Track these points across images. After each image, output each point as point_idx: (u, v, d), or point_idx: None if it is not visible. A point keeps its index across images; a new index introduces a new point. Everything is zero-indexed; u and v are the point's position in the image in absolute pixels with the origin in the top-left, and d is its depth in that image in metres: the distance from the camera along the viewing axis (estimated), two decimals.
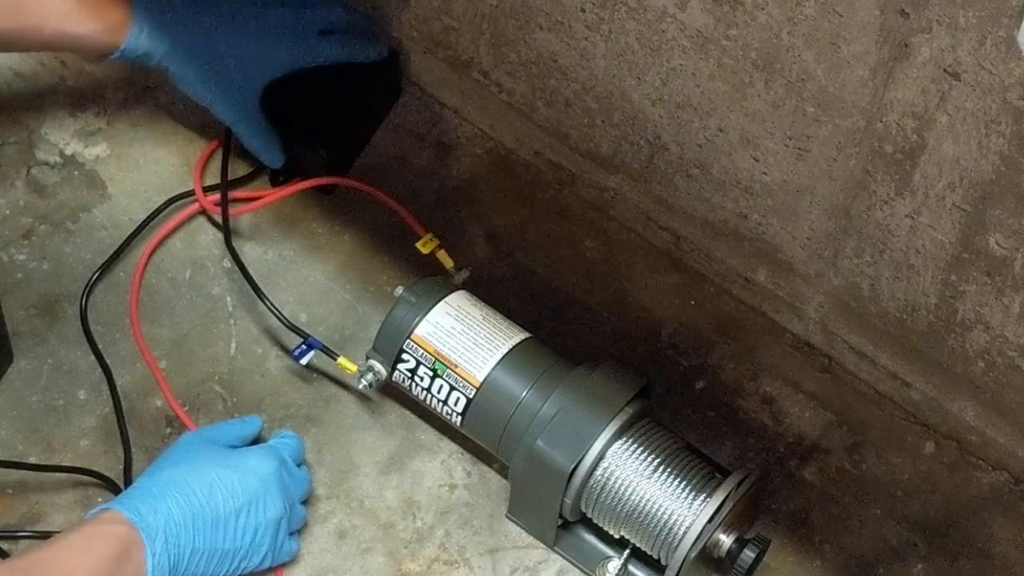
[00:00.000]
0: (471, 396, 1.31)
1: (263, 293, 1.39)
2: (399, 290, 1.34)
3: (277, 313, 1.38)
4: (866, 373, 1.41)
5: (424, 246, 1.43)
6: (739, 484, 1.27)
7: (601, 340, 1.44)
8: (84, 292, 1.42)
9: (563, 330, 1.44)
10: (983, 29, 1.09)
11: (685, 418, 1.40)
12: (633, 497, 1.27)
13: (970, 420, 1.37)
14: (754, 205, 1.37)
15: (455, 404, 1.32)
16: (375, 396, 1.40)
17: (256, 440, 1.33)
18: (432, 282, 1.36)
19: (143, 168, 1.50)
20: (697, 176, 1.39)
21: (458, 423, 1.33)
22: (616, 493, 1.28)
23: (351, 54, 1.47)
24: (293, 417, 1.38)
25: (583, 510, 1.31)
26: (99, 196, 1.49)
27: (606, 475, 1.28)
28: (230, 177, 1.47)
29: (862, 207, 1.29)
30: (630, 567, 1.32)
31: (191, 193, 1.47)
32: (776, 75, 1.25)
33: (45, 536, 1.30)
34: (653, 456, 1.28)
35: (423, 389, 1.33)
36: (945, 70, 1.14)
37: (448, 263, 1.43)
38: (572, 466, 1.27)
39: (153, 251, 1.45)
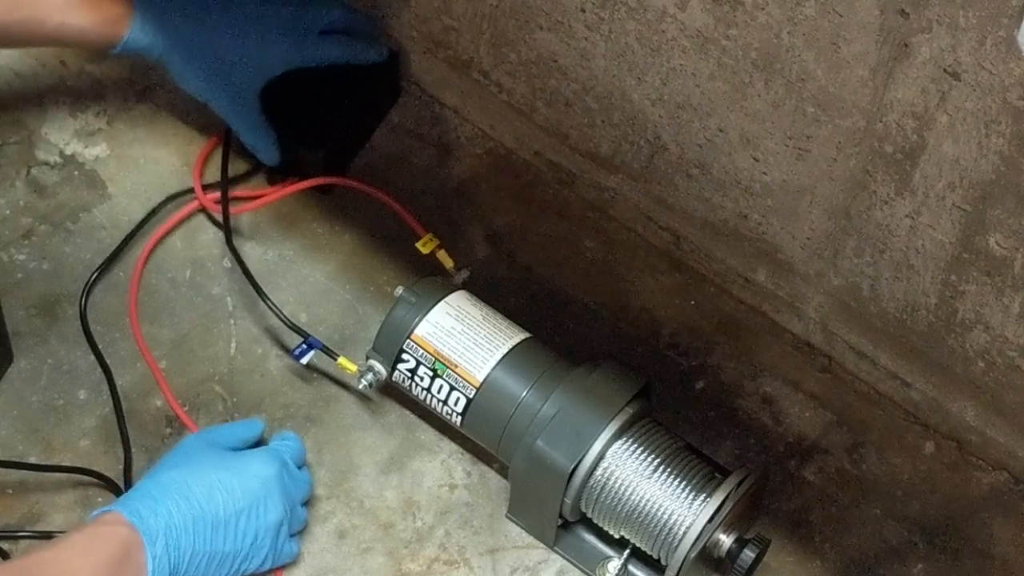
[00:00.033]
0: (471, 396, 1.31)
1: (264, 292, 1.39)
2: (399, 290, 1.34)
3: (278, 312, 1.38)
4: (866, 373, 1.41)
5: (424, 246, 1.43)
6: (739, 484, 1.27)
7: (601, 340, 1.43)
8: (83, 292, 1.42)
9: (563, 330, 1.44)
10: (983, 29, 1.09)
11: (685, 418, 1.40)
12: (633, 497, 1.27)
13: (970, 420, 1.37)
14: (754, 205, 1.37)
15: (455, 404, 1.32)
16: (375, 396, 1.40)
17: (258, 442, 1.33)
18: (432, 282, 1.36)
19: (143, 168, 1.50)
20: (697, 176, 1.39)
21: (458, 423, 1.33)
22: (616, 493, 1.28)
23: (351, 55, 1.47)
24: (293, 417, 1.38)
25: (583, 510, 1.31)
26: (99, 196, 1.49)
27: (606, 475, 1.28)
28: (228, 175, 1.47)
29: (862, 207, 1.29)
30: (630, 567, 1.32)
31: (189, 191, 1.47)
32: (776, 75, 1.25)
33: (45, 536, 1.30)
34: (653, 456, 1.28)
35: (423, 389, 1.33)
36: (945, 70, 1.14)
37: (448, 263, 1.43)
38: (572, 466, 1.27)
39: (152, 250, 1.45)
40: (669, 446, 1.29)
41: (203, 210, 1.47)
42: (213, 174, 1.48)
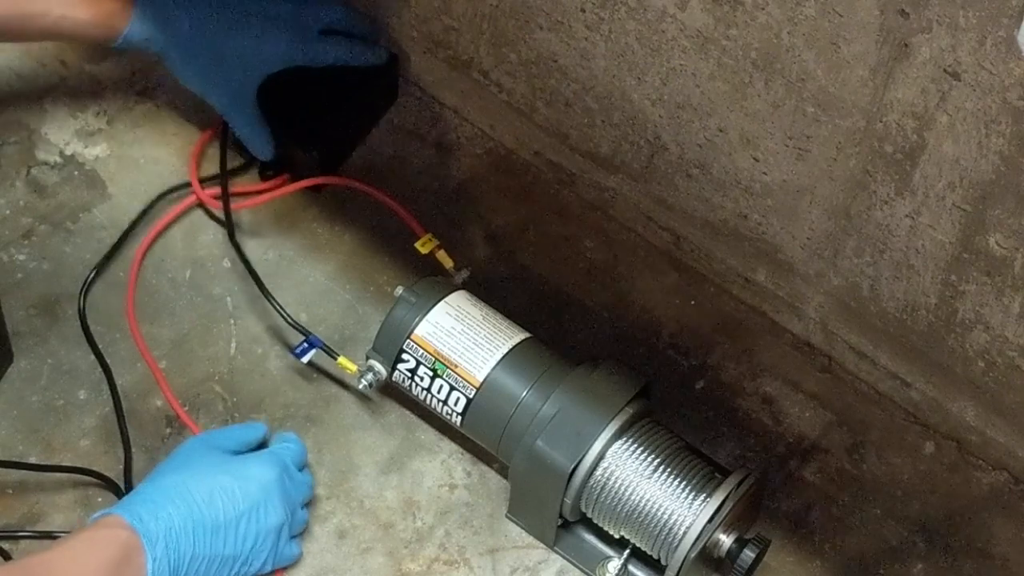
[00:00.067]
0: (471, 396, 1.31)
1: (266, 288, 1.39)
2: (399, 290, 1.34)
3: (279, 309, 1.38)
4: (866, 373, 1.41)
5: (423, 246, 1.43)
6: (739, 484, 1.27)
7: (601, 340, 1.43)
8: (82, 290, 1.42)
9: (563, 330, 1.44)
10: (983, 29, 1.09)
11: (685, 418, 1.40)
12: (633, 497, 1.27)
13: (970, 420, 1.37)
14: (754, 205, 1.37)
15: (455, 404, 1.32)
16: (375, 396, 1.40)
17: (261, 444, 1.33)
18: (432, 282, 1.36)
19: (143, 168, 1.50)
20: (697, 176, 1.39)
21: (458, 423, 1.33)
22: (616, 493, 1.28)
23: (350, 57, 1.47)
24: (293, 417, 1.38)
25: (583, 510, 1.31)
26: (99, 196, 1.49)
27: (606, 475, 1.28)
28: (218, 169, 1.47)
29: (862, 207, 1.29)
30: (630, 567, 1.32)
31: (185, 185, 1.47)
32: (776, 75, 1.25)
33: (45, 536, 1.30)
34: (653, 456, 1.28)
35: (423, 389, 1.33)
36: (945, 70, 1.14)
37: (448, 263, 1.43)
38: (572, 466, 1.27)
39: (150, 245, 1.45)
40: (669, 446, 1.29)
41: (201, 205, 1.47)
42: (206, 169, 1.48)
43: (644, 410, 1.31)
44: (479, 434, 1.34)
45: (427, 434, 1.39)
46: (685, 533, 1.26)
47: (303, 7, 1.45)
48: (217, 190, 1.46)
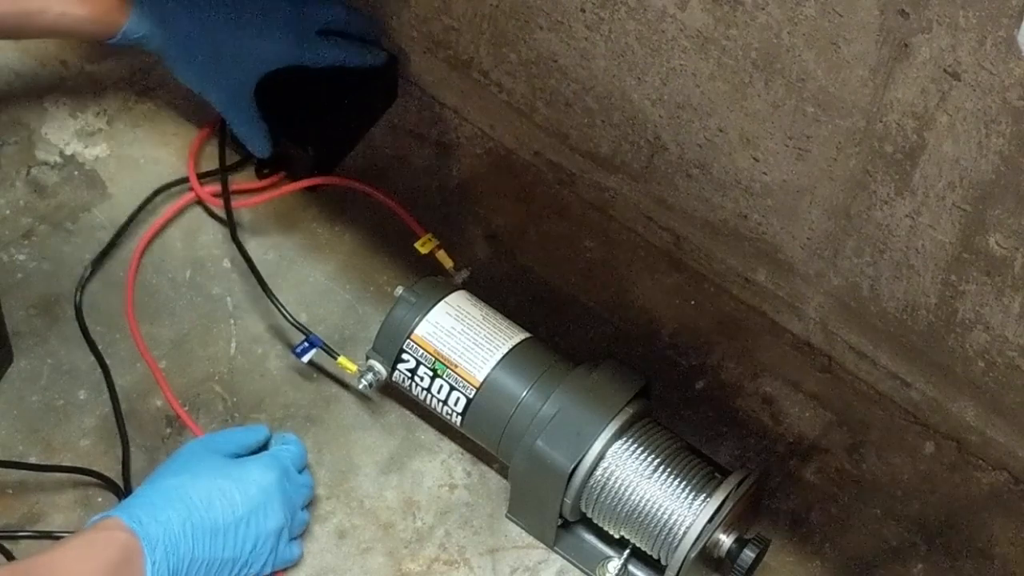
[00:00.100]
0: (471, 396, 1.31)
1: (267, 287, 1.39)
2: (399, 290, 1.34)
3: (280, 307, 1.38)
4: (866, 373, 1.41)
5: (423, 246, 1.43)
6: (739, 484, 1.27)
7: (601, 340, 1.44)
8: (78, 287, 1.41)
9: (563, 330, 1.44)
10: (983, 29, 1.09)
11: (685, 418, 1.40)
12: (633, 497, 1.27)
13: (970, 420, 1.37)
14: (754, 205, 1.37)
15: (455, 404, 1.32)
16: (375, 396, 1.40)
17: (262, 447, 1.32)
18: (432, 282, 1.36)
19: (143, 168, 1.50)
20: (697, 176, 1.39)
21: (458, 423, 1.33)
22: (616, 493, 1.28)
23: (348, 58, 1.47)
24: (293, 417, 1.38)
25: (583, 510, 1.31)
26: (99, 196, 1.49)
27: (606, 475, 1.28)
28: (218, 167, 1.47)
29: (862, 207, 1.29)
30: (630, 567, 1.32)
31: (183, 180, 1.47)
32: (776, 75, 1.25)
33: (45, 536, 1.30)
34: (653, 456, 1.28)
35: (423, 389, 1.33)
36: (945, 70, 1.14)
37: (447, 263, 1.43)
38: (572, 466, 1.27)
39: (149, 243, 1.45)
40: (669, 446, 1.29)
41: (200, 203, 1.47)
42: (204, 167, 1.48)
43: (644, 410, 1.31)
44: (479, 434, 1.34)
45: (427, 434, 1.39)
46: (685, 533, 1.26)
47: (302, 6, 1.45)
48: (215, 187, 1.46)
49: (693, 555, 1.25)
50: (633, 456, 1.28)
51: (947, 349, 1.33)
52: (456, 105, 1.54)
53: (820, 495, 1.37)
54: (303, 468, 1.33)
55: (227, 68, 1.41)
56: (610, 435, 1.28)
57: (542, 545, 1.34)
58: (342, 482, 1.36)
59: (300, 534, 1.32)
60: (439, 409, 1.34)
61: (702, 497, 1.26)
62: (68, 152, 1.51)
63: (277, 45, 1.43)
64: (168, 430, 1.37)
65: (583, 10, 1.35)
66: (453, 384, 1.32)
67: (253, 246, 1.45)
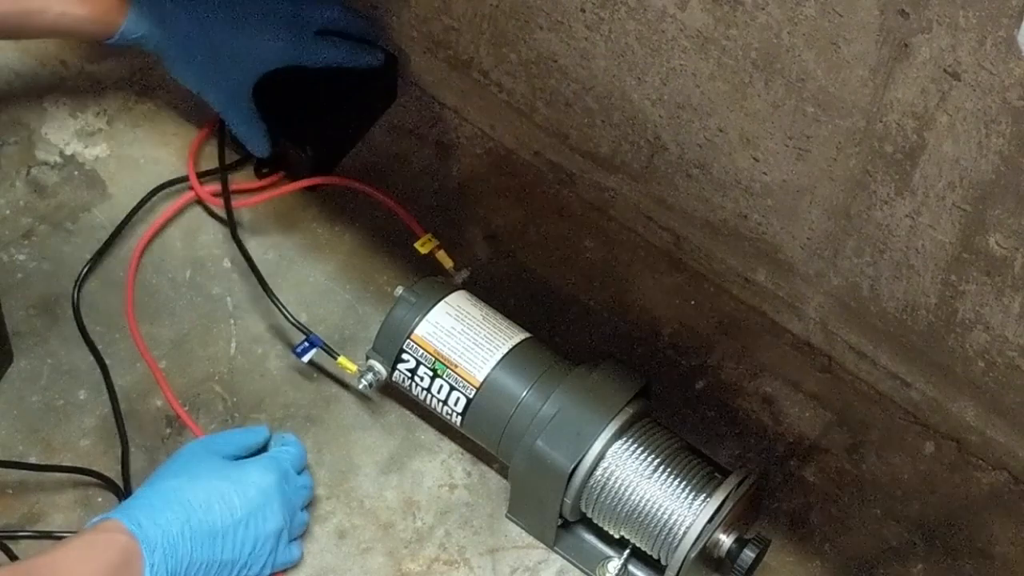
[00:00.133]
0: (471, 396, 1.31)
1: (268, 286, 1.40)
2: (399, 290, 1.34)
3: (280, 307, 1.38)
4: (866, 373, 1.41)
5: (422, 246, 1.43)
6: (739, 484, 1.27)
7: (601, 340, 1.43)
8: (76, 285, 1.41)
9: (563, 330, 1.44)
10: (983, 29, 1.09)
11: (685, 418, 1.40)
12: (633, 497, 1.27)
13: (970, 420, 1.37)
14: (754, 205, 1.37)
15: (455, 404, 1.32)
16: (375, 396, 1.40)
17: (263, 447, 1.32)
18: (432, 282, 1.36)
19: (143, 168, 1.50)
20: (697, 176, 1.39)
21: (458, 423, 1.33)
22: (616, 493, 1.28)
23: (346, 59, 1.47)
24: (293, 417, 1.38)
25: (583, 510, 1.31)
26: (99, 196, 1.49)
27: (606, 475, 1.28)
28: (218, 166, 1.47)
29: (862, 207, 1.29)
30: (630, 567, 1.32)
31: (183, 179, 1.47)
32: (776, 75, 1.25)
33: (45, 536, 1.30)
34: (653, 456, 1.28)
35: (423, 389, 1.33)
36: (945, 70, 1.14)
37: (447, 263, 1.43)
38: (572, 466, 1.27)
39: (149, 242, 1.45)
40: (669, 446, 1.29)
41: (199, 202, 1.47)
42: (203, 166, 1.49)
43: (644, 410, 1.31)
44: (479, 434, 1.34)
45: (427, 434, 1.39)
46: (685, 533, 1.26)
47: (301, 6, 1.45)
48: (215, 187, 1.46)
49: (693, 555, 1.25)
50: (633, 456, 1.28)
51: (947, 349, 1.33)
52: (456, 105, 1.54)
53: (820, 495, 1.37)
54: (302, 469, 1.33)
55: (226, 68, 1.41)
56: (610, 435, 1.28)
57: (542, 545, 1.34)
58: (342, 482, 1.36)
59: (300, 535, 1.32)
60: (439, 409, 1.34)
61: (702, 497, 1.26)
62: (68, 152, 1.51)
63: (275, 45, 1.43)
64: (168, 430, 1.37)
65: (583, 10, 1.35)
66: (453, 384, 1.32)
67: (253, 246, 1.45)
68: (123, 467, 1.34)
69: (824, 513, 1.36)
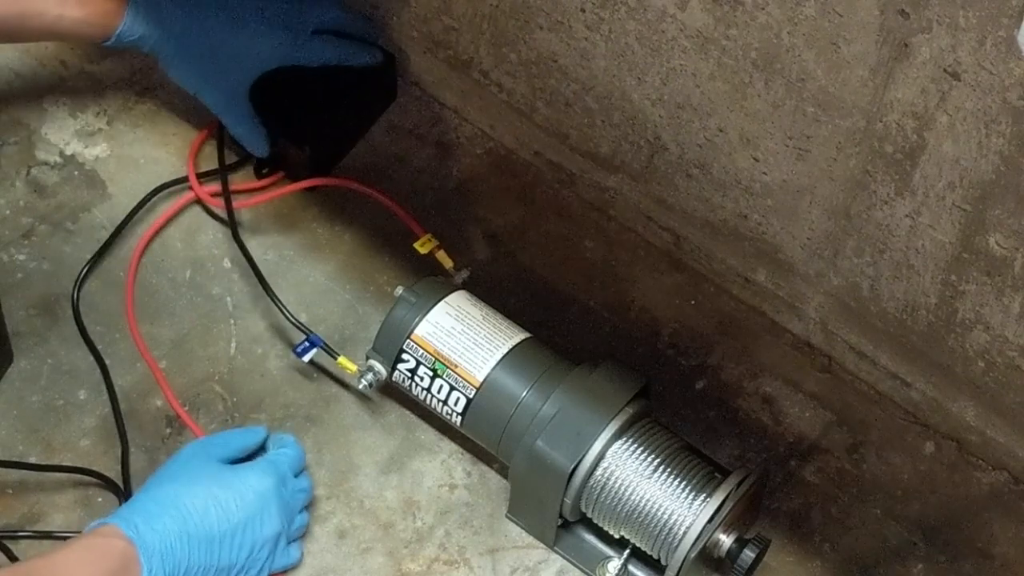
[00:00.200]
0: (471, 396, 1.31)
1: (268, 285, 1.40)
2: (399, 290, 1.34)
3: (281, 306, 1.38)
4: (866, 373, 1.41)
5: (422, 246, 1.43)
6: (739, 484, 1.27)
7: (601, 340, 1.43)
8: (76, 285, 1.41)
9: (563, 330, 1.44)
10: (983, 29, 1.09)
11: (685, 418, 1.40)
12: (633, 497, 1.27)
13: (970, 420, 1.37)
14: (754, 205, 1.37)
15: (455, 404, 1.32)
16: (375, 396, 1.40)
17: (262, 447, 1.32)
18: (432, 282, 1.36)
19: (143, 168, 1.50)
20: (697, 176, 1.39)
21: (458, 423, 1.33)
22: (616, 493, 1.28)
23: (344, 58, 1.47)
24: (293, 417, 1.38)
25: (583, 510, 1.31)
26: (99, 196, 1.49)
27: (606, 475, 1.28)
28: (217, 167, 1.47)
29: (862, 207, 1.29)
30: (630, 567, 1.32)
31: (182, 180, 1.47)
32: (776, 75, 1.25)
33: (45, 536, 1.30)
34: (653, 456, 1.28)
35: (423, 389, 1.33)
36: (945, 70, 1.14)
37: (447, 263, 1.43)
38: (572, 466, 1.27)
39: (149, 242, 1.45)
40: (669, 446, 1.29)
41: (199, 202, 1.47)
42: (203, 167, 1.49)
43: (644, 410, 1.31)
44: (479, 434, 1.34)
45: (427, 434, 1.39)
46: (685, 533, 1.26)
47: (298, 6, 1.45)
48: (215, 187, 1.46)
49: (693, 555, 1.25)
50: (633, 456, 1.28)
51: (947, 349, 1.33)
52: (456, 105, 1.54)
53: (820, 495, 1.37)
54: (301, 471, 1.33)
55: (223, 68, 1.41)
56: (610, 435, 1.28)
57: (542, 545, 1.34)
58: (342, 482, 1.36)
59: (300, 537, 1.32)
60: (439, 409, 1.34)
61: (702, 497, 1.26)
62: (68, 152, 1.51)
63: (273, 44, 1.43)
64: (168, 430, 1.37)
65: (583, 10, 1.35)
66: (453, 384, 1.32)
67: (253, 246, 1.45)
68: (123, 467, 1.34)
69: (824, 513, 1.36)
